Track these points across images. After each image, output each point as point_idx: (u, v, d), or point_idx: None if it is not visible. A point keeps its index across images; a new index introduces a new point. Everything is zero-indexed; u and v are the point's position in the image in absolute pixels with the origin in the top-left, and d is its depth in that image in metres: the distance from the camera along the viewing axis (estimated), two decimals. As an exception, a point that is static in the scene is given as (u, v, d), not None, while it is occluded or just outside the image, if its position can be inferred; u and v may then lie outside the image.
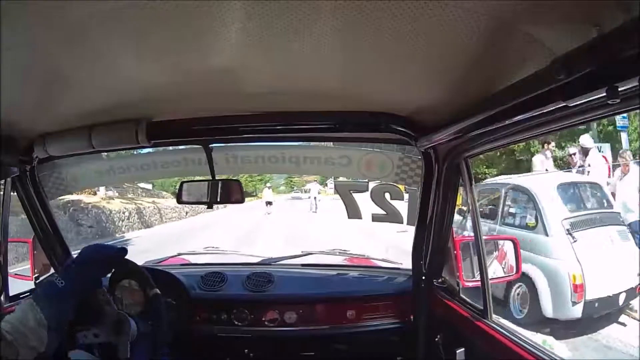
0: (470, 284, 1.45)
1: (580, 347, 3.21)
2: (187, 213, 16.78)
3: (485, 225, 4.13)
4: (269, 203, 15.89)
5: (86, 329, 1.31)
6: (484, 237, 1.38)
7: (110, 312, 1.42)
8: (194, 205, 16.82)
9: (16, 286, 1.55)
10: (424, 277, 1.61)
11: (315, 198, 16.78)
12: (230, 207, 13.28)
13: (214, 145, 1.60)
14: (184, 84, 1.05)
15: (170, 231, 11.99)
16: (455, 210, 1.61)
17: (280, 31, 0.76)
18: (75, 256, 1.33)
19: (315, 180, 20.77)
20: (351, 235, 7.30)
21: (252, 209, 15.60)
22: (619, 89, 0.58)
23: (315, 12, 0.68)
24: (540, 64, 0.71)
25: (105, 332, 1.26)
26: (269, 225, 11.96)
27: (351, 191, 1.89)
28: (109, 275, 1.61)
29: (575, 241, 3.53)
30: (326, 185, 26.47)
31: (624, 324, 3.47)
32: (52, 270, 1.72)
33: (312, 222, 12.12)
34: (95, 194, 13.51)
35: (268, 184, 21.28)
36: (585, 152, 5.53)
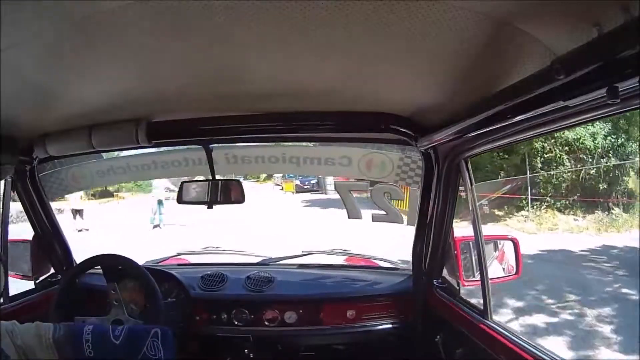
0: (470, 284, 1.45)
1: None
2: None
3: None
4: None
5: (86, 317, 1.36)
6: (484, 237, 1.38)
7: (113, 313, 1.44)
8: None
9: (16, 286, 1.55)
10: (424, 277, 1.61)
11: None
12: (82, 216, 9.02)
13: (214, 145, 1.60)
14: (184, 84, 1.05)
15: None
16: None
17: (281, 31, 0.76)
18: (119, 332, 1.14)
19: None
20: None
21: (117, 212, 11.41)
22: (619, 89, 0.58)
23: (315, 13, 0.68)
24: (540, 64, 0.71)
25: None
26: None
27: (351, 191, 1.89)
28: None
29: None
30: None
31: None
32: (52, 270, 1.72)
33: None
34: None
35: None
36: None
